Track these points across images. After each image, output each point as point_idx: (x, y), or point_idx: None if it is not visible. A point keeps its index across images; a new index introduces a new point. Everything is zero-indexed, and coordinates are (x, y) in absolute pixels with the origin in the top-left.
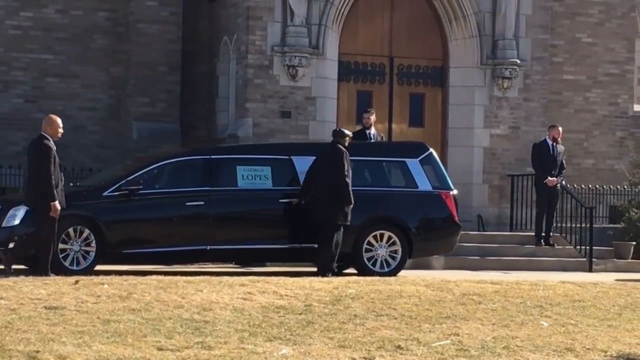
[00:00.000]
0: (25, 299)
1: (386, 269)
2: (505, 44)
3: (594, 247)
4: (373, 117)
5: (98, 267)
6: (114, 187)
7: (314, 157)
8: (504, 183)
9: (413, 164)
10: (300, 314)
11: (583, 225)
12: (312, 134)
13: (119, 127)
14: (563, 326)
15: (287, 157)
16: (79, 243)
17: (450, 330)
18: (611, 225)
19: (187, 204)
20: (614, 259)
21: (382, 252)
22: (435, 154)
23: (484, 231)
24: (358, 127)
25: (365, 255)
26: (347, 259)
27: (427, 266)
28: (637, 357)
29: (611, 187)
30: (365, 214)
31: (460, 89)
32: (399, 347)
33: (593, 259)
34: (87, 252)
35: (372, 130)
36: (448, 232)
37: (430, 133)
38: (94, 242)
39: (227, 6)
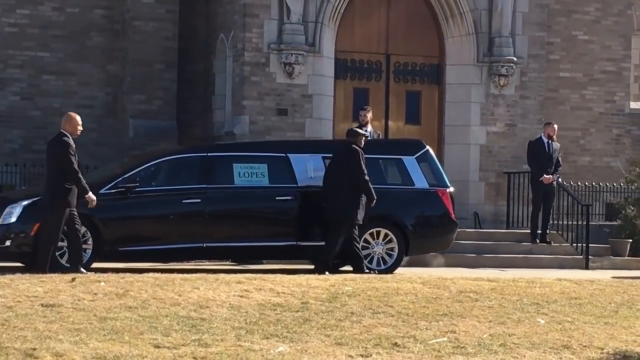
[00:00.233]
0: (22, 297)
1: (383, 267)
2: (501, 41)
3: (590, 245)
4: (369, 115)
5: (95, 265)
6: (111, 185)
7: (310, 154)
8: (500, 180)
9: (409, 161)
10: (297, 311)
11: (579, 222)
12: (308, 132)
13: (116, 124)
14: (560, 323)
15: (284, 155)
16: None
17: (446, 328)
18: (608, 223)
19: (184, 201)
20: (611, 257)
21: (378, 249)
22: (431, 151)
23: (481, 229)
24: (355, 125)
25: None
26: (344, 256)
27: (423, 264)
28: (633, 354)
29: (607, 184)
30: None
31: (457, 86)
32: (395, 344)
33: (589, 257)
34: (84, 250)
35: (369, 128)
36: (444, 229)
37: (427, 130)
38: (90, 239)
39: (223, 3)
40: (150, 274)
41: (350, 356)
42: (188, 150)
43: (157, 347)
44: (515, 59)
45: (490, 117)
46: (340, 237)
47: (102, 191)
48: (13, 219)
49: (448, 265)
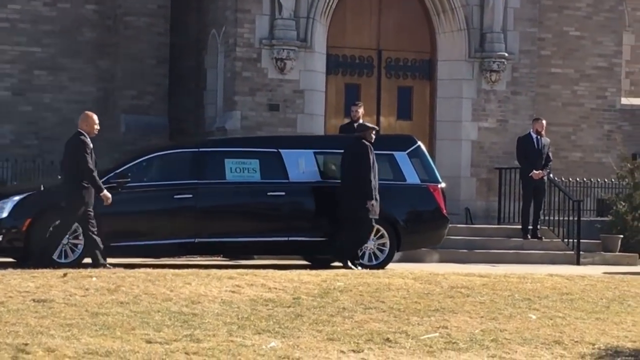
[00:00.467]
0: (14, 292)
1: (374, 262)
2: (493, 37)
3: (581, 240)
4: (361, 110)
5: (86, 260)
6: (102, 180)
7: (302, 150)
8: (491, 176)
9: (401, 156)
10: (289, 306)
11: (571, 218)
12: (300, 127)
13: (107, 120)
14: (551, 319)
15: (276, 150)
16: (68, 236)
17: (438, 323)
18: (599, 218)
19: (176, 197)
20: (602, 252)
21: (370, 245)
22: (423, 147)
23: (472, 224)
24: (346, 120)
25: None
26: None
27: (415, 259)
28: (624, 349)
29: (599, 180)
30: None
31: (448, 82)
32: (387, 339)
33: (581, 252)
34: (76, 245)
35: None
36: (436, 225)
37: (418, 126)
38: (81, 235)
39: None
40: (142, 270)
41: (342, 351)
42: (180, 145)
43: (149, 342)
44: (506, 54)
45: (481, 112)
46: (354, 232)
47: None
48: (4, 214)
49: (439, 260)
